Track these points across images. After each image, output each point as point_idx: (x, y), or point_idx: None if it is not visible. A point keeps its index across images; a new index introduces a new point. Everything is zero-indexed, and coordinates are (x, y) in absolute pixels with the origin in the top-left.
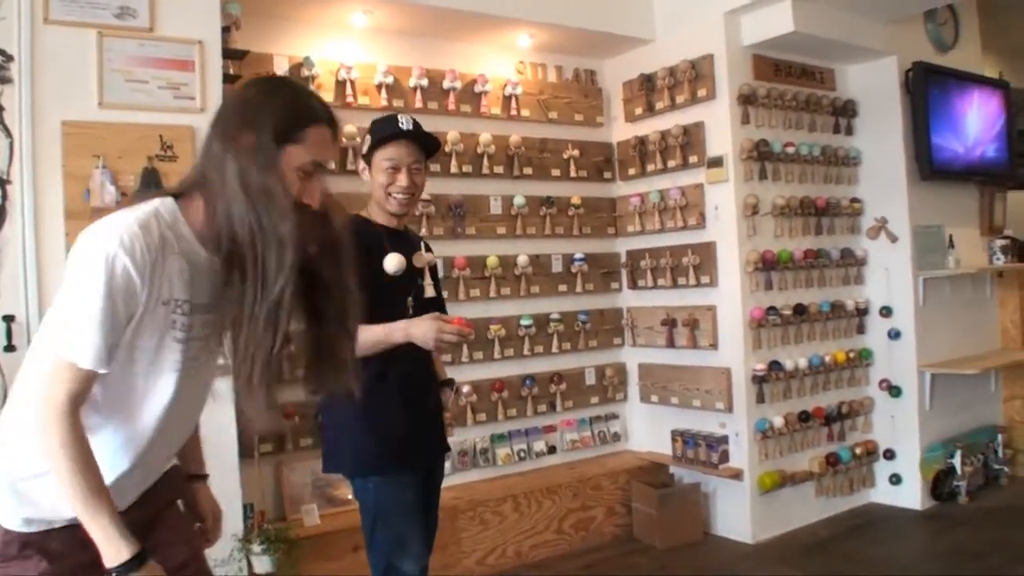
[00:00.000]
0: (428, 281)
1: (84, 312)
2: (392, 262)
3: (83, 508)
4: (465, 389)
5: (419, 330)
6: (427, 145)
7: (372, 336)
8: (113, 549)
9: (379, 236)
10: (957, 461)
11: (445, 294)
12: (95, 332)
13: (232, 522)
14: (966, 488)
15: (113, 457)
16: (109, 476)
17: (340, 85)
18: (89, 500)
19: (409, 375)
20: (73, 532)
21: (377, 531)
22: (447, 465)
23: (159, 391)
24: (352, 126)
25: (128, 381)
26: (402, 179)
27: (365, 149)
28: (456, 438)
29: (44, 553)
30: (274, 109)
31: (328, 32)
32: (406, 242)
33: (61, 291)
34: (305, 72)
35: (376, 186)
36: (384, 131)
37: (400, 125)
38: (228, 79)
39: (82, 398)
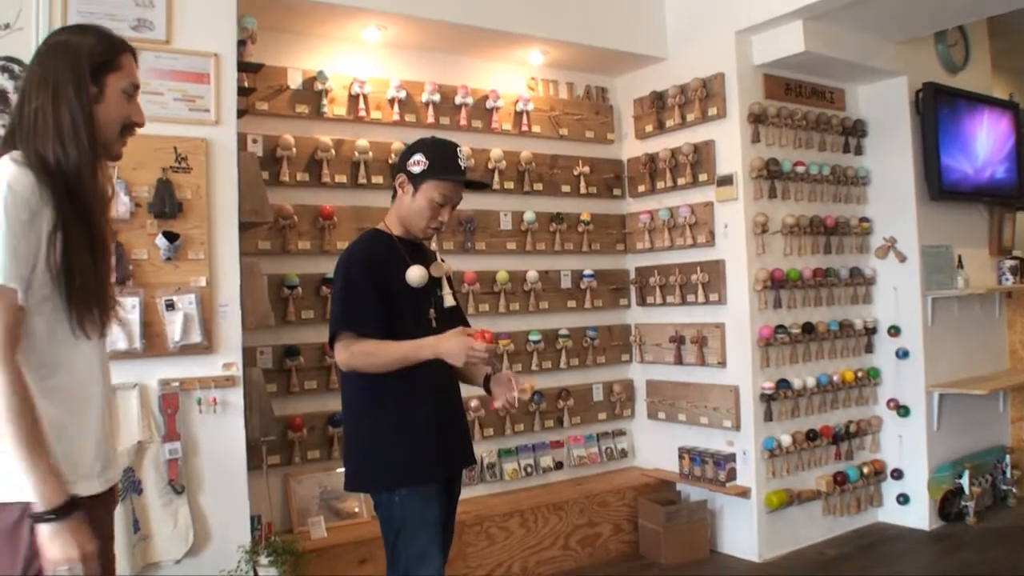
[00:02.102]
0: (447, 290)
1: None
2: (415, 274)
3: (28, 448)
4: (473, 404)
5: (447, 347)
6: (474, 185)
7: (399, 352)
8: (50, 490)
9: (398, 249)
10: (965, 481)
11: None
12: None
13: (239, 533)
14: (974, 508)
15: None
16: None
17: (353, 99)
18: (32, 440)
19: (435, 386)
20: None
21: (399, 545)
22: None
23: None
24: (365, 140)
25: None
26: (444, 215)
27: (417, 170)
28: None
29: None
30: (89, 47)
31: (342, 47)
32: (423, 254)
33: None
34: (319, 86)
35: (415, 210)
36: (446, 169)
37: (460, 165)
38: (243, 91)
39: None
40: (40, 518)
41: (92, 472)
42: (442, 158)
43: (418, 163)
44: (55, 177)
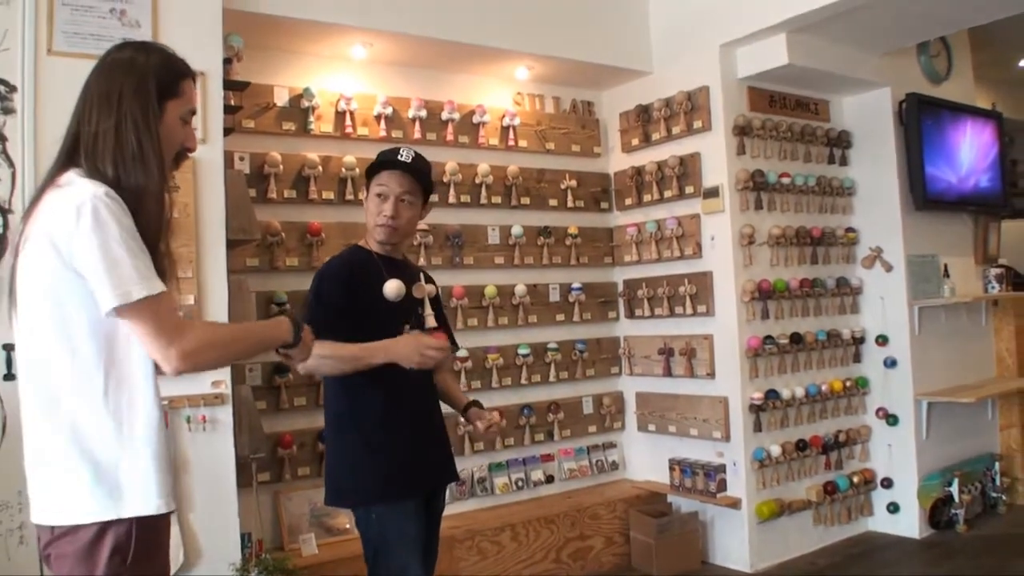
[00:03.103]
0: (428, 311)
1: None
2: (391, 288)
3: (256, 341)
4: (462, 419)
5: (400, 349)
6: (422, 180)
7: (347, 352)
8: (281, 328)
9: (376, 264)
10: (955, 489)
11: None
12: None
13: (230, 551)
14: (964, 516)
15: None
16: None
17: (340, 116)
18: (239, 332)
19: (415, 404)
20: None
21: (379, 562)
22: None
23: None
24: (352, 157)
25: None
26: (387, 208)
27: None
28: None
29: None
30: (155, 69)
31: (328, 64)
32: (405, 271)
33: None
34: (305, 103)
35: (366, 213)
36: (380, 159)
37: (399, 156)
38: (229, 109)
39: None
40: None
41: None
42: (380, 155)
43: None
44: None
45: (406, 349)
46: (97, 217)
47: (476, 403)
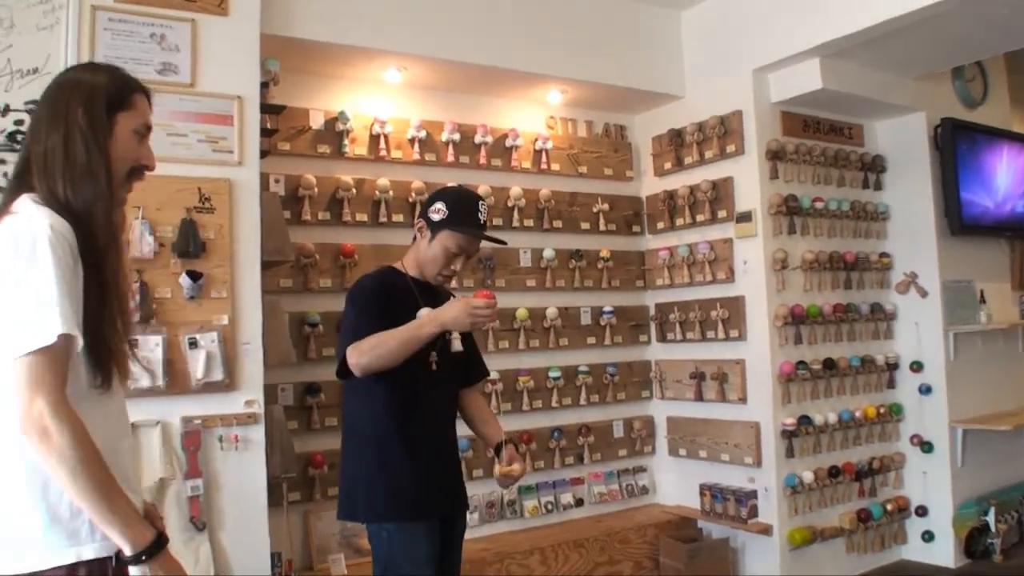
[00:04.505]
0: (456, 335)
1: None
2: (423, 315)
3: (106, 493)
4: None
5: (449, 314)
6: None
7: (401, 334)
8: (138, 531)
9: (411, 289)
10: (991, 518)
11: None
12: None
13: (260, 570)
14: (1000, 546)
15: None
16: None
17: (374, 139)
18: (109, 484)
19: (429, 427)
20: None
21: None
22: (474, 516)
23: None
24: (385, 179)
25: None
26: (458, 264)
27: (436, 218)
28: (483, 490)
29: None
30: (104, 84)
31: (363, 88)
32: (436, 296)
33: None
34: (340, 126)
35: (430, 256)
36: (464, 221)
37: (480, 218)
38: (265, 132)
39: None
40: (136, 561)
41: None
42: (462, 210)
43: (438, 211)
44: (72, 218)
45: (454, 311)
46: (33, 251)
47: (511, 442)
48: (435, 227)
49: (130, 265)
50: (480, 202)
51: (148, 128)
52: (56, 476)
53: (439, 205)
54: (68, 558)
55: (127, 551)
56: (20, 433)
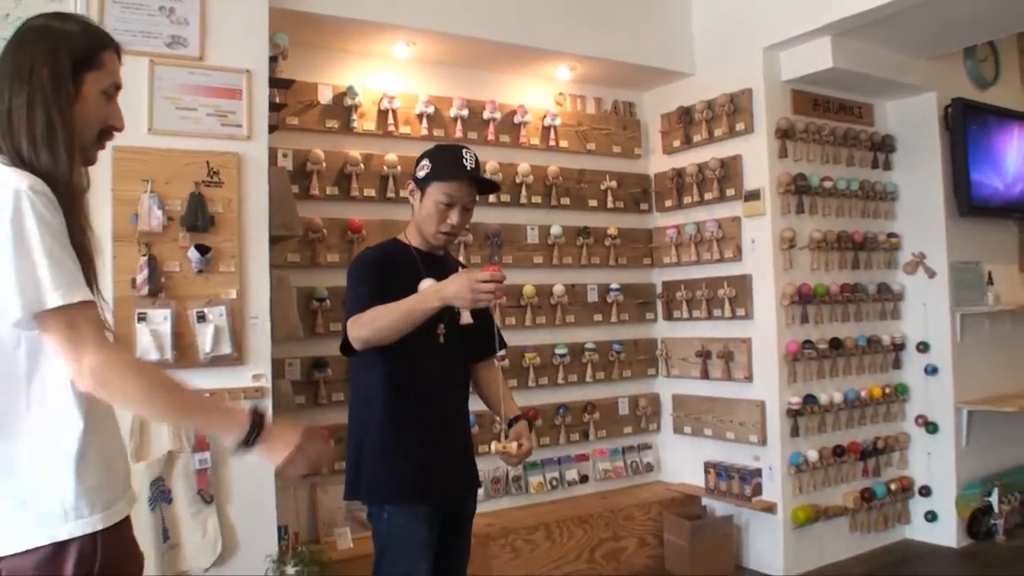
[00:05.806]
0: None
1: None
2: (426, 286)
3: (190, 402)
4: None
5: (451, 289)
6: (483, 185)
7: (401, 308)
8: (233, 419)
9: (415, 260)
10: (995, 499)
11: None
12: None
13: (267, 543)
14: (1003, 527)
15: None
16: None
17: (382, 114)
18: (185, 394)
19: (435, 406)
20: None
21: (383, 562)
22: (480, 492)
23: None
24: (393, 155)
25: None
26: (453, 217)
27: (422, 174)
28: (489, 465)
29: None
30: (71, 36)
31: (371, 63)
32: (443, 268)
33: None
34: (348, 101)
35: (424, 215)
36: (448, 168)
37: (464, 163)
38: (274, 107)
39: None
40: (247, 442)
41: (128, 496)
42: (445, 160)
43: (423, 167)
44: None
45: (455, 287)
46: (16, 214)
47: (525, 417)
48: (422, 183)
49: (137, 238)
50: (463, 149)
51: (117, 88)
52: (136, 415)
53: (424, 162)
54: (45, 539)
55: (235, 440)
56: (80, 390)
